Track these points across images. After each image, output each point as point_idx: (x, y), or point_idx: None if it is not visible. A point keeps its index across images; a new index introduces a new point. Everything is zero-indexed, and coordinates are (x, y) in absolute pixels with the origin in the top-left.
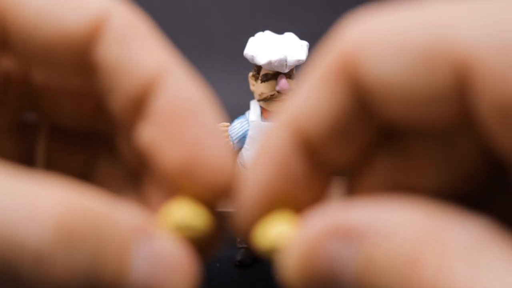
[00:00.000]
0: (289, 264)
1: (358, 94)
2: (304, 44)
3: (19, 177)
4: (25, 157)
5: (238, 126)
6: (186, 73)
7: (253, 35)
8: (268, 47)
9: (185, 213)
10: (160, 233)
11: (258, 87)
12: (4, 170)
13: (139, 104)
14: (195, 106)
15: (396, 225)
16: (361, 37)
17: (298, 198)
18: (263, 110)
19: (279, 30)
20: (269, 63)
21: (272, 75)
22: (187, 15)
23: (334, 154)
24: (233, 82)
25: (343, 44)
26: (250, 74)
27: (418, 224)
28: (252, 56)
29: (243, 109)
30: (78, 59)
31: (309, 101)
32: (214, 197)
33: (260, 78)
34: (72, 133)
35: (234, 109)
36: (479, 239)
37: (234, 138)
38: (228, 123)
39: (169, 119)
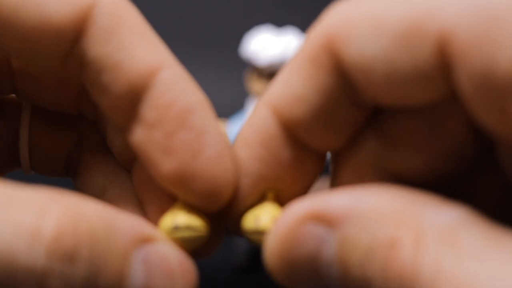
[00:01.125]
0: (270, 247)
1: (341, 76)
2: None
3: (15, 198)
4: (9, 139)
5: (234, 124)
6: (178, 71)
7: (250, 30)
8: (267, 47)
9: (182, 220)
10: (157, 239)
11: (257, 86)
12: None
13: (130, 105)
14: (188, 108)
15: (373, 209)
16: (341, 20)
17: (286, 183)
18: None
19: (278, 25)
20: (269, 63)
21: (270, 74)
22: (181, 10)
23: (320, 138)
24: (230, 80)
25: (324, 28)
26: (248, 72)
27: (394, 208)
28: (251, 55)
29: (240, 107)
30: (62, 53)
31: (290, 85)
32: (210, 203)
33: (258, 77)
34: (57, 115)
35: (231, 107)
36: (454, 224)
37: (230, 136)
38: (225, 120)
39: (162, 124)
